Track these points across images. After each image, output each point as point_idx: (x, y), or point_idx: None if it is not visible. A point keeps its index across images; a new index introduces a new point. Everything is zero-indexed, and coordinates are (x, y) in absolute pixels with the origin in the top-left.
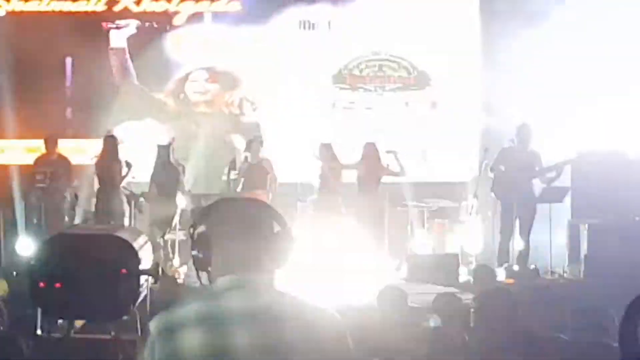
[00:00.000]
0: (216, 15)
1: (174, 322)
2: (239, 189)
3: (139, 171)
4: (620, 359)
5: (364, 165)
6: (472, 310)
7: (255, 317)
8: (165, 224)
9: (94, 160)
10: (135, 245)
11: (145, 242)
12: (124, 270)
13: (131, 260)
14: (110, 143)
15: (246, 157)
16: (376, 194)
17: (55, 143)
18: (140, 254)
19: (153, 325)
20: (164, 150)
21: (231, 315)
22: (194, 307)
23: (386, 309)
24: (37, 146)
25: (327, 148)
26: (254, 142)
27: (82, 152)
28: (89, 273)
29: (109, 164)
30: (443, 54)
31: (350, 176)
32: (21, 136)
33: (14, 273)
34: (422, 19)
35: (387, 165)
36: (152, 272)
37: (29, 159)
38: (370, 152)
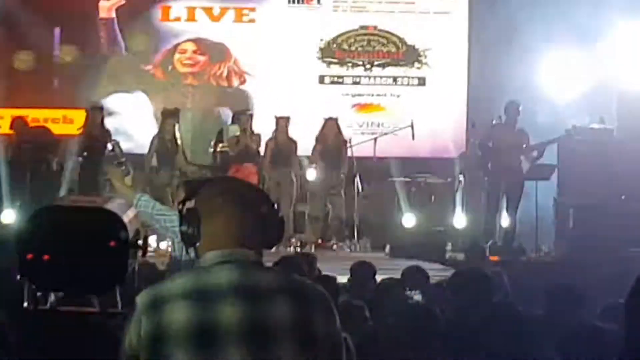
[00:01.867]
0: None
1: (161, 296)
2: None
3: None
4: (625, 334)
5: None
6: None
7: (243, 291)
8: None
9: (80, 131)
10: (125, 217)
11: (134, 215)
12: (112, 243)
13: (120, 233)
14: (97, 115)
15: (235, 131)
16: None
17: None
18: (129, 227)
19: (140, 299)
20: (173, 120)
21: (219, 289)
22: (182, 281)
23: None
24: (24, 115)
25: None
26: (242, 116)
27: (68, 122)
28: (77, 245)
29: (95, 136)
30: (432, 29)
31: None
32: (7, 105)
33: None
34: None
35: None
36: (141, 245)
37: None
38: (331, 129)
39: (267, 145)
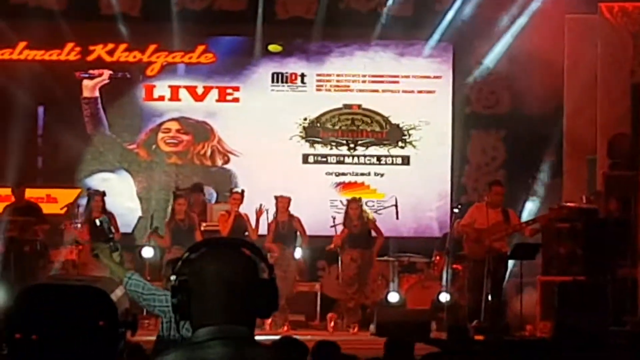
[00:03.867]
0: (189, 67)
1: None
2: None
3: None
4: None
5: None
6: None
7: None
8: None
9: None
10: (113, 296)
11: (123, 294)
12: (101, 322)
13: (109, 312)
14: (98, 199)
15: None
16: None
17: (23, 191)
18: (118, 306)
19: None
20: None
21: None
22: (174, 357)
23: None
24: (6, 194)
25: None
26: (229, 193)
27: (52, 201)
28: (66, 325)
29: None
30: (416, 108)
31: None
32: None
33: None
34: (396, 75)
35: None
36: (130, 324)
37: None
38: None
39: (269, 225)
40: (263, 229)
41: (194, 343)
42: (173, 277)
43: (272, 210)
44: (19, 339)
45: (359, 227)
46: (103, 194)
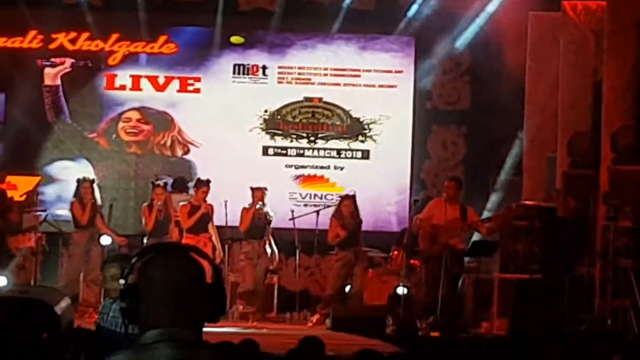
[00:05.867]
0: (151, 57)
1: None
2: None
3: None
4: None
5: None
6: None
7: None
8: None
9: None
10: (57, 309)
11: (67, 304)
12: (44, 335)
13: (52, 324)
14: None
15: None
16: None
17: None
18: (62, 318)
19: None
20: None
21: None
22: (122, 358)
23: None
24: None
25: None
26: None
27: (12, 188)
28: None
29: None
30: (377, 103)
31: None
32: None
33: None
34: (357, 69)
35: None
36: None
37: None
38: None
39: (242, 214)
40: (221, 221)
41: (141, 345)
42: (122, 282)
43: (233, 201)
44: None
45: (351, 225)
46: (92, 181)
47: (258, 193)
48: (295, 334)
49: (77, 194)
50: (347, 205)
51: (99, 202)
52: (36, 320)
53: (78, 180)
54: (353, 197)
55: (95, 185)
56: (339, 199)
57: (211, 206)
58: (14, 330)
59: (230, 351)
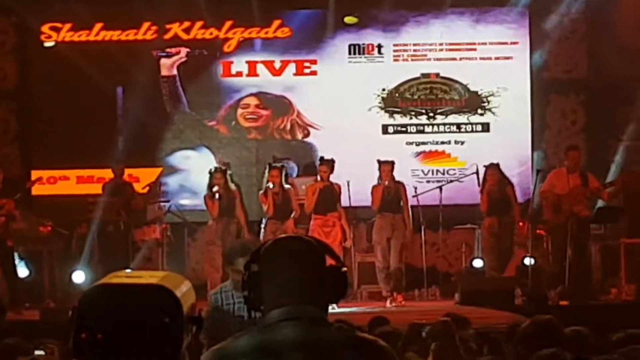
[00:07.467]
0: (266, 42)
1: (227, 354)
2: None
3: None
4: None
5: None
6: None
7: (308, 348)
8: None
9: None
10: (178, 292)
11: (188, 289)
12: (166, 320)
13: (173, 308)
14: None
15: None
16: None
17: (122, 169)
18: (183, 302)
19: (205, 359)
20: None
21: (285, 346)
22: (247, 340)
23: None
24: (89, 175)
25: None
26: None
27: (134, 181)
28: (130, 324)
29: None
30: (494, 75)
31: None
32: (73, 166)
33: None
34: (472, 43)
35: None
36: (195, 320)
37: (81, 189)
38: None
39: (373, 191)
40: (345, 202)
41: (265, 325)
42: (245, 272)
43: (355, 182)
44: (84, 339)
45: (497, 193)
46: (224, 171)
47: (386, 167)
48: (425, 310)
49: (208, 185)
50: (492, 175)
51: (232, 188)
52: (157, 305)
53: (209, 172)
54: (497, 165)
55: (228, 175)
56: (461, 174)
57: (338, 185)
58: (135, 314)
59: (356, 329)
